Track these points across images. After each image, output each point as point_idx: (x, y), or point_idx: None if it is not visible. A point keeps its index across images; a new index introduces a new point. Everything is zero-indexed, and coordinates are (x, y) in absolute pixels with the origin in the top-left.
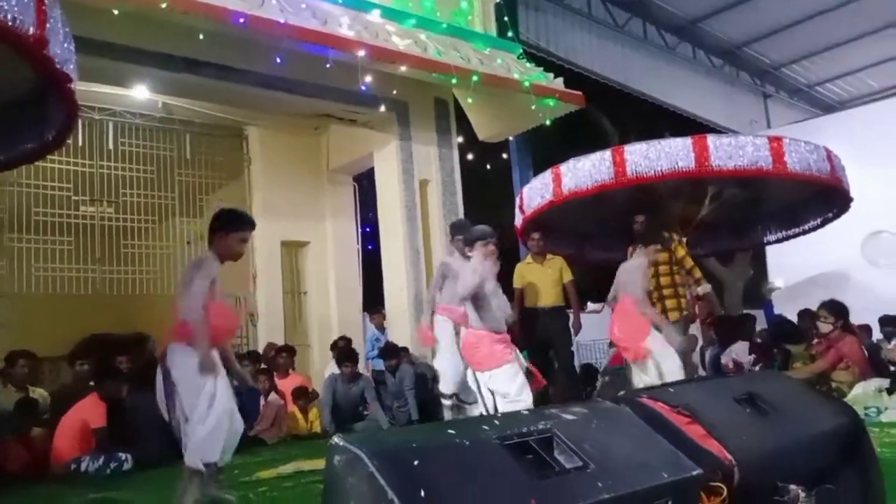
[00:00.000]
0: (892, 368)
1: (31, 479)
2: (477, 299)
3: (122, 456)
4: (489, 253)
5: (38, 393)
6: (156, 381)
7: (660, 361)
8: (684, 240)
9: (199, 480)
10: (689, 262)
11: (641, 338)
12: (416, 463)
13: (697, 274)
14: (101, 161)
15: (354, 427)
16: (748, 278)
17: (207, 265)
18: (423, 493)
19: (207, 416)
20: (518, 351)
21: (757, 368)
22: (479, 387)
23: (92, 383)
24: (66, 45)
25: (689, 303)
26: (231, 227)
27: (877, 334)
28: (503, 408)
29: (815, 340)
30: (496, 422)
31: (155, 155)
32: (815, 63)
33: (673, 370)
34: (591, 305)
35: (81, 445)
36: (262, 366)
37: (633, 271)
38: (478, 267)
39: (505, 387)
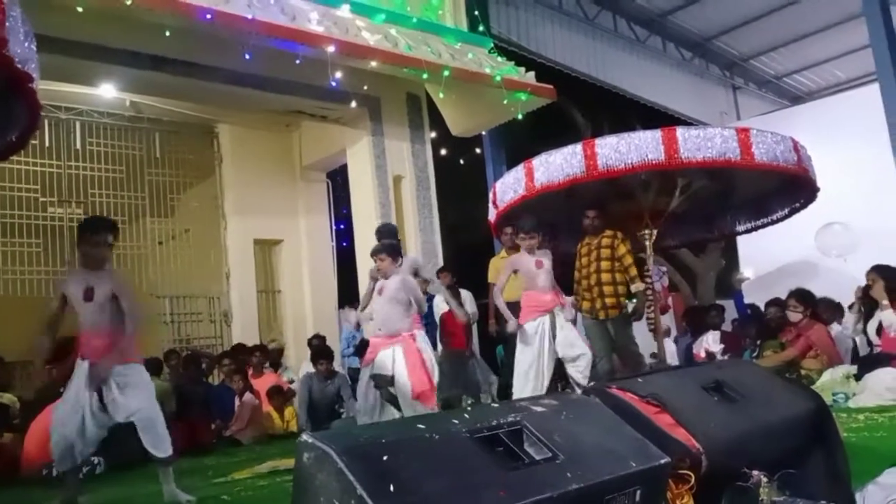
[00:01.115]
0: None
1: (1, 485)
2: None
3: (95, 460)
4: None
5: (7, 398)
6: None
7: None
8: (652, 233)
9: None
10: (629, 260)
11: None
12: (385, 458)
13: (633, 272)
14: (68, 161)
15: (331, 425)
16: (720, 268)
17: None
18: (392, 488)
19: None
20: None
21: (727, 357)
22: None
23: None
24: (26, 44)
25: (661, 294)
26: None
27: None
28: None
29: (785, 329)
30: (466, 415)
31: (124, 154)
32: (783, 55)
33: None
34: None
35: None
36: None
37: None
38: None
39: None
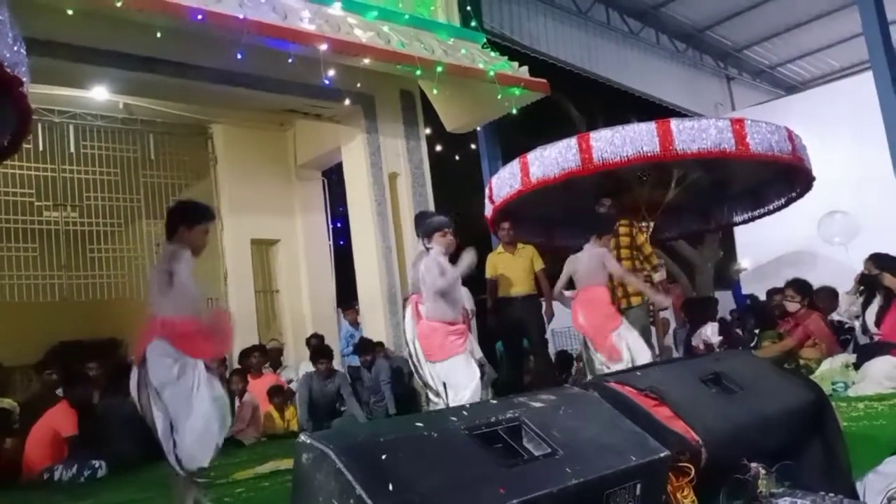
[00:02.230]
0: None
1: (2, 490)
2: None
3: (96, 463)
4: (448, 243)
5: (7, 402)
6: (130, 385)
7: (631, 346)
8: (648, 225)
9: (193, 486)
10: (648, 249)
11: (610, 328)
12: (383, 457)
13: (654, 261)
14: (63, 165)
15: (332, 424)
16: (718, 260)
17: (186, 256)
18: (390, 487)
19: (194, 419)
20: (475, 343)
21: (725, 349)
22: (433, 378)
23: (60, 391)
24: (15, 48)
25: (659, 286)
26: (194, 219)
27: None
28: (452, 400)
29: (783, 319)
30: (464, 412)
31: (118, 157)
32: (777, 44)
33: (640, 351)
34: (567, 293)
35: (53, 454)
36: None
37: (594, 260)
38: (447, 267)
39: (453, 378)
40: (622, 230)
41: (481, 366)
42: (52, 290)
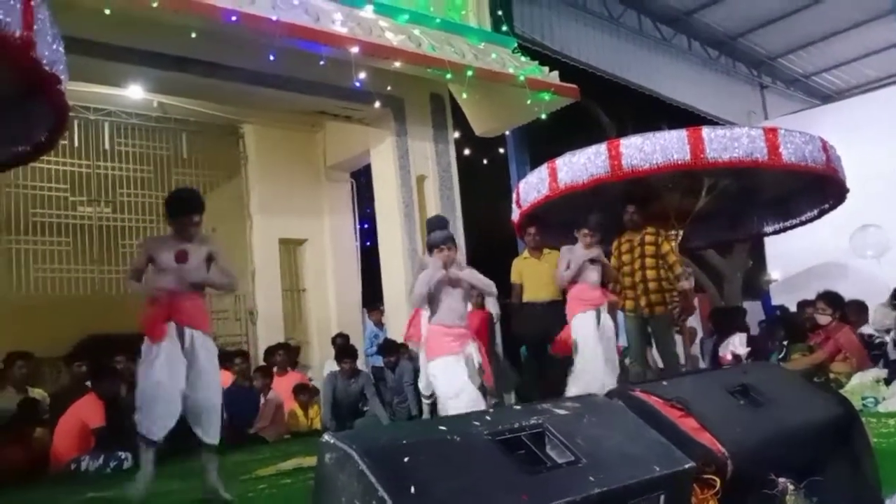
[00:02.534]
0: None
1: (31, 480)
2: (430, 300)
3: (122, 455)
4: (444, 258)
5: (38, 393)
6: None
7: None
8: (678, 234)
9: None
10: (672, 258)
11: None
12: (406, 459)
13: (678, 269)
14: (97, 161)
15: (355, 423)
16: (747, 269)
17: (147, 246)
18: (413, 490)
19: (139, 392)
20: (476, 348)
21: (751, 360)
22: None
23: (89, 383)
24: (54, 46)
25: (688, 296)
26: (170, 211)
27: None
28: (442, 400)
29: (814, 332)
30: (487, 417)
31: (151, 154)
32: (812, 53)
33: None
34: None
35: (81, 445)
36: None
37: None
38: (427, 277)
39: (440, 377)
40: (648, 238)
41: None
42: (83, 284)
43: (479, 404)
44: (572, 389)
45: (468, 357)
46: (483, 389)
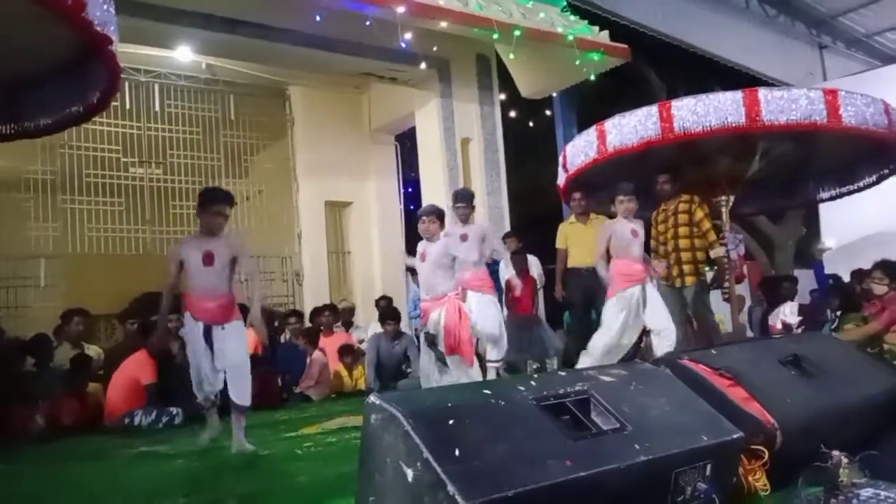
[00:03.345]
0: None
1: (85, 433)
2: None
3: (174, 410)
4: (423, 230)
5: (93, 350)
6: None
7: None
8: (729, 199)
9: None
10: (706, 225)
11: None
12: (451, 422)
13: (712, 237)
14: (148, 123)
15: (398, 385)
16: (800, 237)
17: (176, 249)
18: (457, 452)
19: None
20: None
21: (802, 330)
22: None
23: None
24: (105, 7)
25: (737, 263)
26: (202, 204)
27: None
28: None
29: (869, 301)
30: (532, 382)
31: (200, 116)
32: (874, 11)
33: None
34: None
35: (133, 400)
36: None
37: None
38: (419, 251)
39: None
40: (682, 206)
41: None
42: (136, 244)
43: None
44: (585, 361)
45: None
46: (442, 358)
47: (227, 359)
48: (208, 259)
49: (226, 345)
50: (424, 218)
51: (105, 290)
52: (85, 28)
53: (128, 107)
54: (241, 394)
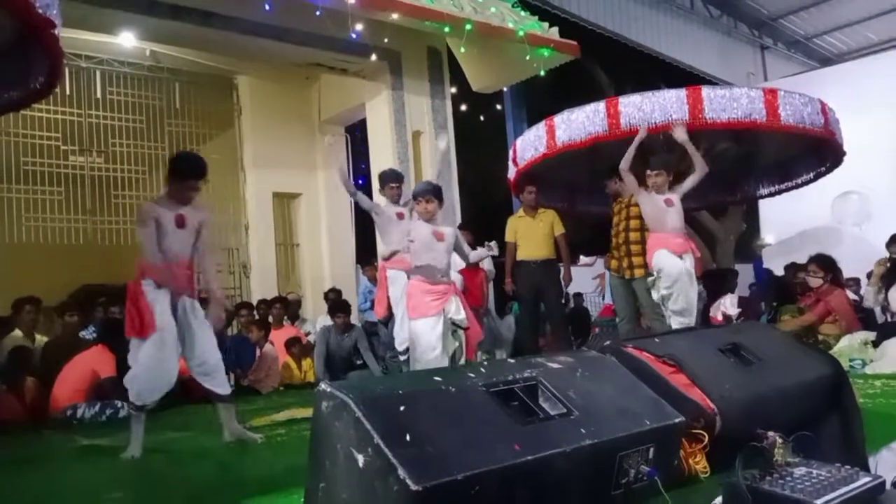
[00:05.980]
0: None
1: (22, 428)
2: (413, 255)
3: (119, 403)
4: (422, 211)
5: (42, 341)
6: None
7: None
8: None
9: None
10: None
11: None
12: (402, 408)
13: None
14: (89, 110)
15: (348, 377)
16: (741, 232)
17: (145, 212)
18: (408, 438)
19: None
20: (461, 306)
21: (742, 321)
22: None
23: (82, 333)
24: None
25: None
26: (177, 174)
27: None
28: (417, 356)
29: (804, 294)
30: (482, 370)
31: (144, 104)
32: (813, 14)
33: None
34: (583, 259)
35: (82, 394)
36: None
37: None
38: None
39: (420, 338)
40: (633, 201)
41: (457, 328)
42: (76, 234)
43: (444, 363)
44: (675, 321)
45: (446, 314)
46: (460, 348)
47: (200, 347)
48: (181, 221)
49: (195, 331)
50: (421, 198)
51: (44, 282)
52: (26, 10)
53: (68, 93)
54: (224, 385)
